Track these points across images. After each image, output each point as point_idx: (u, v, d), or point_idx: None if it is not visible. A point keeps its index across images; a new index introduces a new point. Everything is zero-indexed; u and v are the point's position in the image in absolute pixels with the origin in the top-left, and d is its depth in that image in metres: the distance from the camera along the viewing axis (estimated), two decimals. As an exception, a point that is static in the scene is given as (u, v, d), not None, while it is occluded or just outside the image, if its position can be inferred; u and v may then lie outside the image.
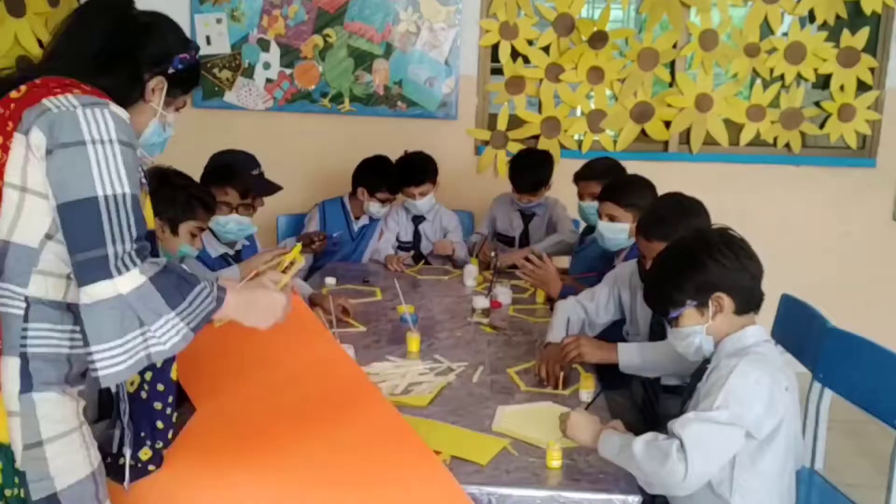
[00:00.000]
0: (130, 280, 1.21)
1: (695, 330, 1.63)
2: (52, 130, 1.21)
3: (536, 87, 4.10)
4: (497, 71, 4.15)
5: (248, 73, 4.10)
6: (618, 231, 2.59)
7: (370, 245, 3.57)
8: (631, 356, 2.10)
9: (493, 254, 3.25)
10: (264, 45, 4.07)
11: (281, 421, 1.58)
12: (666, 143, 4.18)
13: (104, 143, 1.23)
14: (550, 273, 2.76)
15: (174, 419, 1.47)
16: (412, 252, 3.61)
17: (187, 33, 1.52)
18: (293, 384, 1.69)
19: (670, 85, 4.14)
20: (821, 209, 4.19)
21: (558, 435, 1.65)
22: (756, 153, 4.17)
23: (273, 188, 2.87)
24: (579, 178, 3.17)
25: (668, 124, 4.10)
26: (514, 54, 4.08)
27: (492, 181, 4.12)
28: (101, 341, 1.20)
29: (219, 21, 4.05)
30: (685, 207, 2.15)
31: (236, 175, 2.70)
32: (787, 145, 4.12)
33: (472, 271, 3.17)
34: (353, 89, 4.11)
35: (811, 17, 4.03)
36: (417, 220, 3.61)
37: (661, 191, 2.46)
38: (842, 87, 4.04)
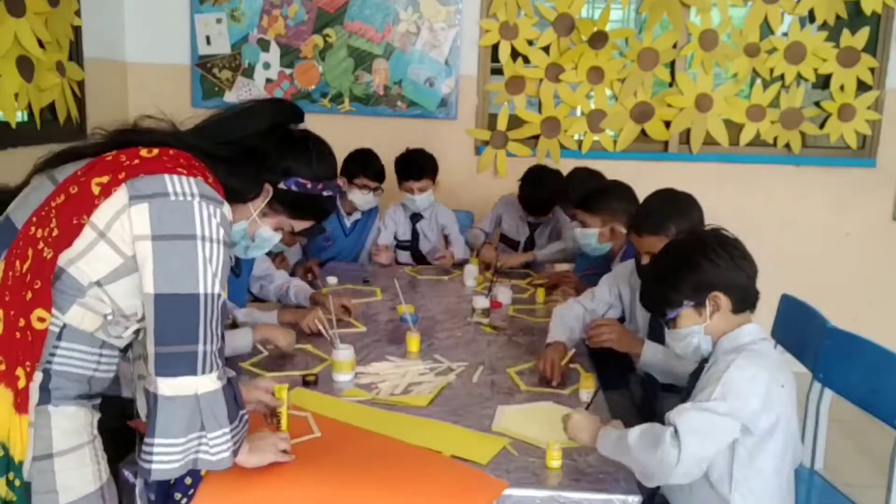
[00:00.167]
0: (210, 382, 1.23)
1: (693, 330, 1.64)
2: (163, 216, 1.20)
3: (536, 87, 4.10)
4: (497, 71, 4.15)
5: (248, 73, 4.10)
6: (589, 236, 2.72)
7: (368, 242, 3.56)
8: (655, 355, 2.10)
9: (495, 258, 3.26)
10: (264, 45, 4.08)
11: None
12: (666, 143, 4.18)
13: (213, 241, 1.23)
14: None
15: None
16: (410, 251, 3.60)
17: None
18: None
19: (670, 85, 4.14)
20: (821, 209, 4.19)
21: (558, 435, 1.65)
22: (756, 153, 4.17)
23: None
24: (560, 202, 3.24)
25: (668, 124, 4.10)
26: (514, 54, 4.08)
27: (492, 181, 4.13)
28: (167, 436, 1.21)
29: (219, 21, 4.05)
30: (674, 201, 2.16)
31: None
32: (787, 145, 4.12)
33: (472, 271, 3.17)
34: (353, 89, 4.11)
35: (811, 17, 4.03)
36: (415, 218, 3.60)
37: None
38: (842, 87, 4.04)
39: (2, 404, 1.16)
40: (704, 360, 1.68)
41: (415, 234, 3.62)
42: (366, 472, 1.49)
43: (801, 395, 1.71)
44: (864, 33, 3.99)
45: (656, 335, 2.23)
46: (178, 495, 1.39)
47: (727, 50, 4.03)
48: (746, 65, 4.04)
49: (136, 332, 1.33)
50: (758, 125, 4.09)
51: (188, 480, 1.39)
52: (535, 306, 2.85)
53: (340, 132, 3.99)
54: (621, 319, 2.43)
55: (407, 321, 2.39)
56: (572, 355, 2.14)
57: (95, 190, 1.21)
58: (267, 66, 4.10)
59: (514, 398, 1.93)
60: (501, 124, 4.15)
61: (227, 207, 1.30)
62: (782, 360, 1.66)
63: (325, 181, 1.51)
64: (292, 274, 3.16)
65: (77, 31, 3.54)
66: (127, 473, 1.45)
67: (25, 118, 3.19)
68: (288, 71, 4.10)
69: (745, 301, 1.64)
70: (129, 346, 1.37)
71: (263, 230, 1.51)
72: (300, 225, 1.55)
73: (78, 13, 3.50)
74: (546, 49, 4.08)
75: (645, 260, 2.16)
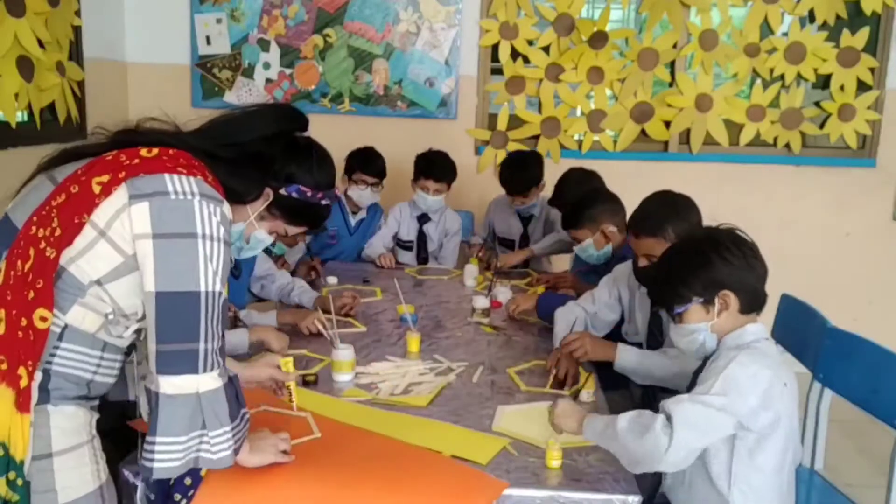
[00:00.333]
0: (211, 380, 1.23)
1: (699, 327, 1.63)
2: (164, 215, 1.20)
3: (536, 87, 4.10)
4: (497, 71, 4.15)
5: (248, 73, 4.10)
6: (586, 249, 2.73)
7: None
8: (628, 358, 2.11)
9: (494, 259, 3.26)
10: (264, 45, 4.08)
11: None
12: (666, 143, 4.18)
13: (213, 239, 1.24)
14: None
15: None
16: (415, 252, 3.60)
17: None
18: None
19: (670, 85, 4.14)
20: (821, 209, 4.19)
21: (558, 435, 1.65)
22: (756, 153, 4.17)
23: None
24: (555, 204, 3.24)
25: (668, 124, 4.10)
26: (514, 54, 4.08)
27: (492, 181, 4.12)
28: (168, 434, 1.21)
29: (219, 21, 4.05)
30: (672, 203, 2.16)
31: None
32: (787, 145, 4.12)
33: (472, 271, 3.17)
34: (353, 89, 4.11)
35: (811, 17, 4.04)
36: (423, 219, 3.59)
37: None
38: (842, 87, 4.04)
39: (3, 403, 1.16)
40: (706, 359, 1.68)
41: (421, 235, 3.60)
42: (366, 472, 1.49)
43: (801, 395, 1.70)
44: (864, 33, 3.99)
45: (655, 337, 2.24)
46: (177, 496, 1.39)
47: (727, 50, 4.03)
48: (746, 65, 4.04)
49: (138, 332, 1.33)
50: (758, 125, 4.09)
51: (188, 481, 1.39)
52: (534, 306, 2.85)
53: (340, 132, 4.04)
54: (620, 321, 2.43)
55: (407, 321, 2.39)
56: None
57: (96, 189, 1.21)
58: (267, 66, 4.10)
59: (514, 398, 1.93)
60: (501, 124, 4.15)
61: (226, 206, 1.30)
62: (783, 360, 1.67)
63: (324, 190, 1.53)
64: (294, 272, 3.17)
65: (77, 31, 3.54)
66: (127, 473, 1.45)
67: (25, 118, 3.19)
68: (288, 71, 4.10)
69: (753, 302, 1.63)
70: (132, 348, 1.37)
71: (259, 233, 1.52)
72: (293, 230, 1.57)
73: (78, 13, 3.50)
74: (546, 49, 4.08)
75: (642, 262, 2.16)
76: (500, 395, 1.94)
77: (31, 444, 1.19)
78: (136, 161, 1.24)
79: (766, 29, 4.06)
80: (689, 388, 1.70)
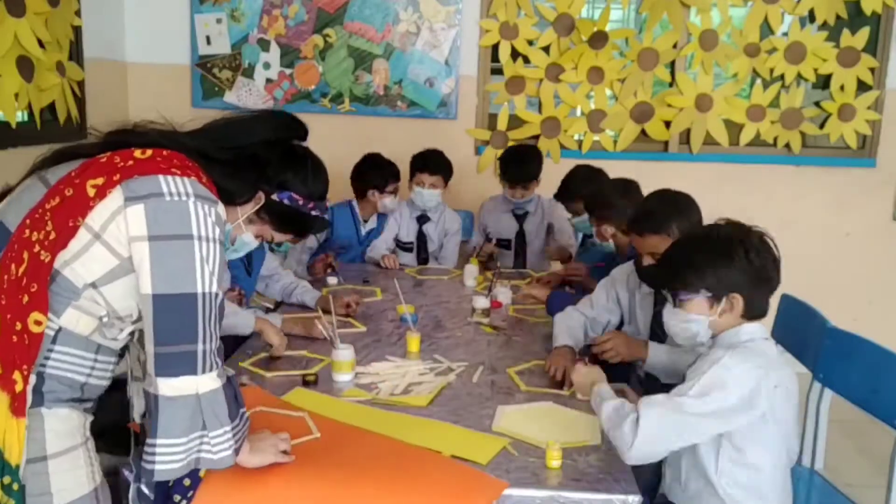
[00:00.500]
0: (210, 381, 1.23)
1: (698, 319, 1.62)
2: (159, 217, 1.20)
3: (536, 87, 4.10)
4: (497, 71, 4.15)
5: (249, 73, 4.10)
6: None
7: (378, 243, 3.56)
8: (660, 355, 2.11)
9: (495, 266, 3.25)
10: (264, 45, 4.08)
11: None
12: (666, 143, 4.18)
13: (209, 240, 1.23)
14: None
15: None
16: (415, 253, 3.60)
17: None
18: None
19: (670, 85, 4.14)
20: (821, 209, 4.19)
21: (558, 435, 1.65)
22: (756, 153, 4.17)
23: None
24: (561, 198, 3.20)
25: (668, 124, 4.10)
26: (514, 54, 4.08)
27: (492, 181, 4.11)
28: (169, 436, 1.21)
29: (219, 21, 4.05)
30: (674, 200, 2.16)
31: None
32: (787, 145, 4.12)
33: (472, 271, 3.17)
34: (353, 89, 4.11)
35: (811, 17, 4.04)
36: (422, 219, 3.59)
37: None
38: (842, 87, 4.04)
39: None
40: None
41: (421, 235, 3.60)
42: (366, 472, 1.49)
43: (801, 395, 1.70)
44: (864, 33, 3.99)
45: (657, 336, 2.23)
46: (177, 497, 1.39)
47: (727, 50, 4.03)
48: (746, 65, 4.04)
49: (132, 333, 1.33)
50: (758, 125, 4.09)
51: (187, 482, 1.39)
52: (535, 306, 2.85)
53: (340, 132, 4.04)
54: (620, 323, 2.43)
55: (407, 321, 2.39)
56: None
57: (90, 192, 1.20)
58: (267, 66, 4.10)
59: (514, 398, 1.93)
60: (501, 124, 4.15)
61: (221, 207, 1.30)
62: (782, 360, 1.66)
63: (316, 201, 1.53)
64: (310, 268, 3.17)
65: (77, 31, 3.54)
66: (127, 474, 1.45)
67: (25, 118, 3.19)
68: (288, 71, 4.10)
69: (757, 310, 1.63)
70: (125, 350, 1.37)
71: (246, 236, 1.52)
72: (280, 237, 1.57)
73: (78, 13, 3.50)
74: (546, 49, 4.08)
75: (647, 260, 2.15)
76: (500, 395, 1.94)
77: (26, 447, 1.18)
78: (130, 163, 1.24)
79: (766, 29, 4.06)
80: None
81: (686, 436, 1.54)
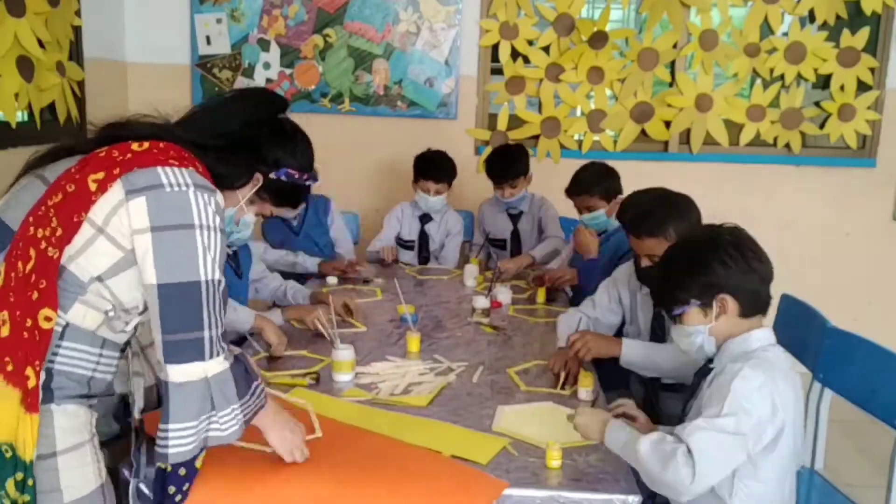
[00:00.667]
0: (217, 364, 1.26)
1: (697, 329, 1.62)
2: (161, 208, 1.22)
3: (536, 87, 4.10)
4: (497, 71, 4.15)
5: (249, 73, 4.10)
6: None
7: (335, 231, 3.49)
8: (634, 352, 2.11)
9: (495, 264, 3.24)
10: (264, 45, 4.08)
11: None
12: (666, 143, 4.18)
13: (210, 229, 1.25)
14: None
15: None
16: (417, 252, 3.60)
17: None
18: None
19: (670, 85, 4.14)
20: (821, 209, 4.19)
21: (558, 435, 1.65)
22: (756, 153, 4.17)
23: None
24: (572, 193, 3.13)
25: (668, 124, 4.10)
26: (514, 54, 4.08)
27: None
28: (180, 421, 1.24)
29: (219, 21, 4.05)
30: (673, 203, 2.15)
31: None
32: (787, 145, 4.12)
33: (472, 271, 3.17)
34: (353, 89, 4.11)
35: (811, 17, 4.03)
36: (424, 219, 3.59)
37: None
38: (842, 87, 4.04)
39: (9, 404, 1.16)
40: (710, 360, 1.67)
41: (423, 235, 3.60)
42: (366, 472, 1.49)
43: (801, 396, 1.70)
44: (864, 33, 3.99)
45: (658, 336, 2.24)
46: (171, 488, 1.40)
47: (727, 50, 4.03)
48: (746, 65, 4.04)
49: (136, 326, 1.33)
50: (758, 125, 4.09)
51: (182, 472, 1.39)
52: (535, 306, 2.85)
53: (340, 132, 4.04)
54: (622, 323, 2.43)
55: (407, 321, 2.39)
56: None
57: (92, 186, 1.22)
58: (267, 66, 4.10)
59: (514, 398, 1.93)
60: (501, 124, 4.15)
61: (219, 195, 1.32)
62: (790, 366, 1.64)
63: (308, 171, 1.58)
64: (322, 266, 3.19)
65: (77, 31, 3.54)
66: (126, 473, 1.45)
67: (25, 118, 3.19)
68: (288, 71, 4.10)
69: (754, 305, 1.61)
70: (127, 345, 1.38)
71: (248, 216, 1.57)
72: (279, 211, 1.62)
73: (78, 13, 3.50)
74: (546, 49, 4.08)
75: (644, 262, 2.16)
76: (500, 395, 1.94)
77: (37, 443, 1.19)
78: (129, 156, 1.25)
79: (766, 29, 4.06)
80: (692, 389, 1.70)
81: (734, 455, 1.48)
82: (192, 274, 1.23)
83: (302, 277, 3.11)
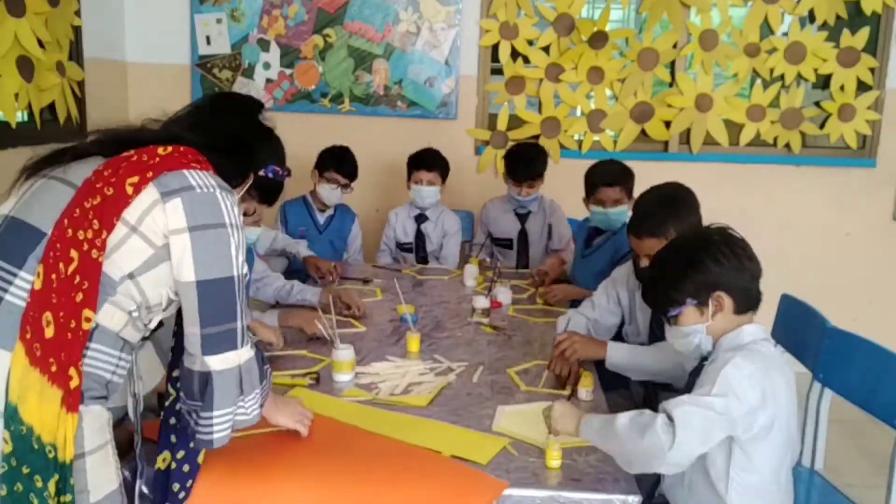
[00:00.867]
0: (246, 352, 1.34)
1: (695, 329, 1.63)
2: (195, 209, 1.27)
3: (536, 87, 4.10)
4: (497, 71, 4.15)
5: (248, 73, 4.10)
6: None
7: (350, 239, 3.57)
8: (618, 355, 2.11)
9: (496, 263, 3.23)
10: (264, 45, 4.08)
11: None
12: (666, 143, 4.18)
13: (237, 227, 1.32)
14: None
15: None
16: (414, 253, 3.60)
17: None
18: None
19: (670, 85, 4.14)
20: (821, 209, 4.19)
21: (555, 437, 1.65)
22: (756, 153, 4.17)
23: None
24: (604, 184, 3.01)
25: (668, 124, 4.10)
26: (514, 54, 4.08)
27: (492, 181, 4.12)
28: (222, 407, 1.31)
29: (219, 21, 4.05)
30: (673, 202, 2.15)
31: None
32: (787, 145, 4.12)
33: (472, 271, 3.16)
34: (353, 89, 4.11)
35: (811, 17, 4.03)
36: (420, 219, 3.59)
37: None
38: (842, 87, 4.04)
39: (52, 405, 1.18)
40: (704, 359, 1.68)
41: (419, 235, 3.60)
42: (366, 472, 1.49)
43: (801, 395, 1.71)
44: (864, 33, 3.99)
45: (657, 336, 2.23)
46: (175, 485, 1.40)
47: (727, 50, 4.03)
48: (746, 65, 4.04)
49: (151, 327, 1.37)
50: (758, 125, 4.09)
51: (186, 468, 1.41)
52: (535, 306, 2.85)
53: (340, 132, 4.04)
54: (621, 323, 2.43)
55: (407, 321, 2.39)
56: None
57: (129, 189, 1.25)
58: (267, 66, 4.10)
59: (514, 398, 1.93)
60: (501, 124, 4.15)
61: (235, 195, 1.37)
62: (783, 360, 1.66)
63: (285, 168, 1.63)
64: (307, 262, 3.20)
65: (77, 31, 3.54)
66: (126, 474, 1.46)
67: (25, 118, 3.19)
68: (288, 71, 4.10)
69: (748, 302, 1.63)
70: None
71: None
72: (260, 207, 1.69)
73: (78, 13, 3.50)
74: (546, 49, 4.08)
75: (644, 262, 2.16)
76: (500, 395, 1.94)
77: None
78: (157, 160, 1.29)
79: (766, 29, 4.06)
80: (687, 388, 1.70)
81: (715, 434, 1.50)
82: (227, 270, 1.29)
83: (299, 275, 3.11)
